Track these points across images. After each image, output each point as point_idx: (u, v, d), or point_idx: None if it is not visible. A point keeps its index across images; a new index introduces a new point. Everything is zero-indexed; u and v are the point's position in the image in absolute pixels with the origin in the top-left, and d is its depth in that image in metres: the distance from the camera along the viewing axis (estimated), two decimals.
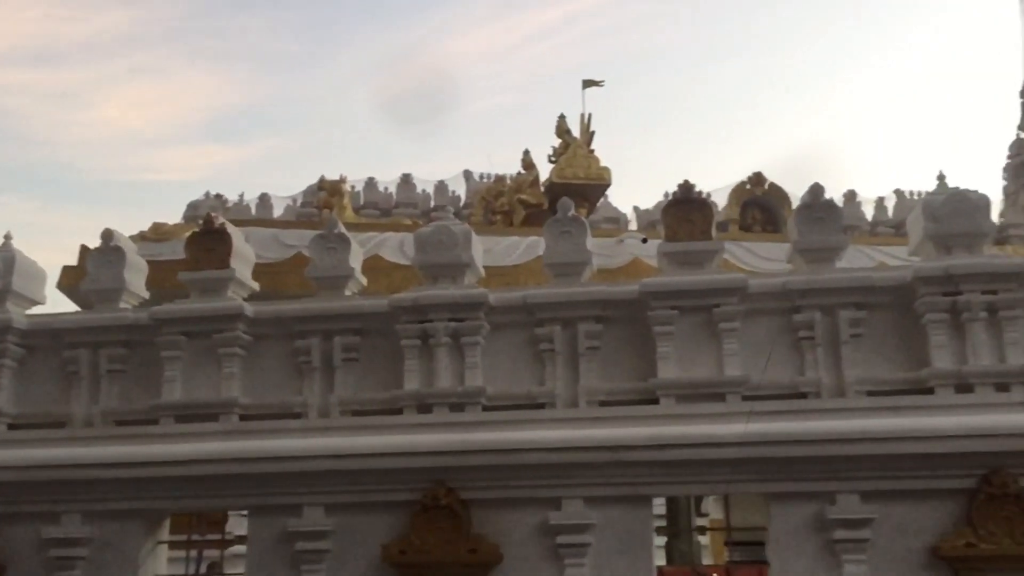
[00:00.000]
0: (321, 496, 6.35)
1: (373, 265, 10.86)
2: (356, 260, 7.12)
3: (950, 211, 6.31)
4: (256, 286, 7.30)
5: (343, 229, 7.09)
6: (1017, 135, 36.16)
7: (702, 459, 6.03)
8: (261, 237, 12.91)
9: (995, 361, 6.00)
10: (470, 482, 6.20)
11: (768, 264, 11.09)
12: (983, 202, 6.40)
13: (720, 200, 21.13)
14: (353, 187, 23.27)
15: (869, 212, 26.39)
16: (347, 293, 7.00)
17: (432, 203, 23.48)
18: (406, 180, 24.54)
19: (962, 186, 6.55)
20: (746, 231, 18.67)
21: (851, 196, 26.32)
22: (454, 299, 6.56)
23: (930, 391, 6.07)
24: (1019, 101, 36.98)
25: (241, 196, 24.65)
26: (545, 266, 6.84)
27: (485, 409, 6.47)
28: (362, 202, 23.80)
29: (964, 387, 6.01)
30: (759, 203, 19.86)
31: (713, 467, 6.07)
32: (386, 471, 6.26)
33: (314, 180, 21.40)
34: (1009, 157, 36.20)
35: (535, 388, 6.52)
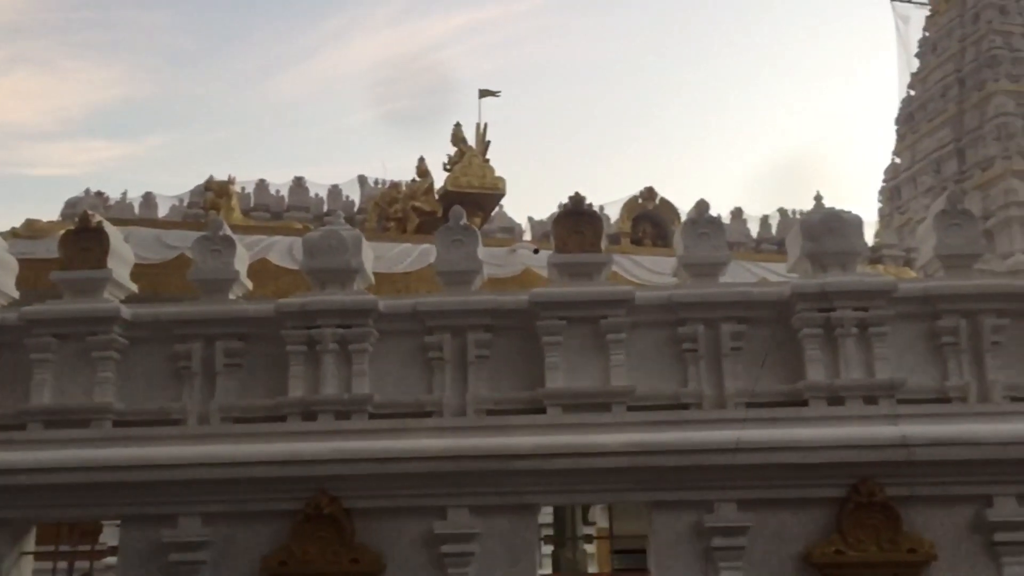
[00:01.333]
0: (198, 505, 6.15)
1: (260, 269, 10.60)
2: (241, 263, 6.94)
3: (825, 231, 6.56)
4: (134, 287, 7.04)
5: (228, 231, 6.90)
6: (892, 160, 38.10)
7: (587, 468, 6.10)
8: (142, 237, 12.46)
9: (865, 375, 6.26)
10: (354, 491, 6.10)
11: (656, 277, 11.32)
12: (856, 222, 6.68)
13: (613, 213, 21.50)
14: (243, 188, 22.74)
15: (754, 229, 27.31)
16: (231, 297, 6.81)
17: (325, 207, 23.16)
18: (299, 183, 24.13)
19: (838, 207, 6.83)
20: (637, 244, 19.03)
21: (738, 213, 27.19)
22: (343, 305, 6.46)
23: (805, 403, 6.29)
24: (894, 128, 38.91)
25: (124, 194, 23.82)
26: (436, 274, 6.82)
27: (372, 417, 6.39)
28: (252, 204, 23.29)
29: (836, 400, 6.25)
30: (650, 217, 20.26)
31: (598, 476, 6.15)
32: (267, 480, 6.11)
33: (203, 180, 20.83)
34: (884, 181, 38.13)
35: (423, 396, 6.48)
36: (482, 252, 6.99)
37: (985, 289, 6.38)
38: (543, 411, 6.37)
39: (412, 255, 11.39)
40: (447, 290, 6.69)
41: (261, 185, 24.11)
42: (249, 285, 7.11)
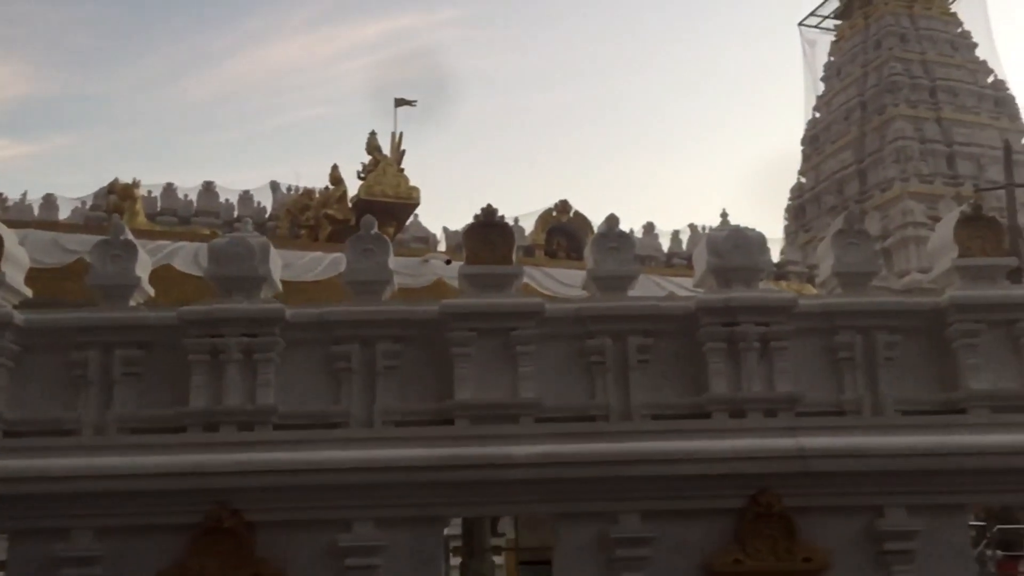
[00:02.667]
0: (91, 519, 5.94)
1: (164, 275, 10.33)
2: (143, 269, 6.75)
3: (731, 247, 6.72)
4: (29, 292, 6.77)
5: (129, 235, 6.71)
6: (798, 180, 39.31)
7: (494, 480, 6.10)
8: (40, 240, 12.02)
9: (765, 388, 6.42)
10: (256, 504, 5.98)
11: (568, 290, 11.43)
12: (760, 239, 6.86)
13: (528, 225, 21.65)
14: (149, 192, 22.15)
15: (666, 244, 27.82)
16: (132, 304, 6.62)
17: (236, 213, 22.69)
18: (208, 188, 23.60)
19: (744, 224, 7.01)
20: (551, 257, 19.21)
21: (650, 228, 27.66)
22: (248, 313, 6.34)
23: (708, 415, 6.42)
24: (800, 149, 40.17)
25: (24, 195, 22.95)
26: (345, 283, 6.75)
27: (276, 428, 6.28)
28: (159, 208, 22.69)
29: (738, 412, 6.40)
30: (564, 230, 20.50)
31: (505, 488, 6.16)
32: (165, 492, 5.94)
33: (108, 182, 20.21)
34: (791, 199, 39.31)
35: (330, 407, 6.40)
36: (393, 262, 6.94)
37: (879, 306, 6.62)
38: (451, 423, 6.36)
39: (323, 263, 11.25)
40: (356, 300, 6.62)
41: (169, 189, 23.51)
42: (151, 291, 6.92)
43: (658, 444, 6.12)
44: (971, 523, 11.14)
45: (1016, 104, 36.15)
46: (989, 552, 13.73)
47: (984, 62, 37.18)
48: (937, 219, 20.39)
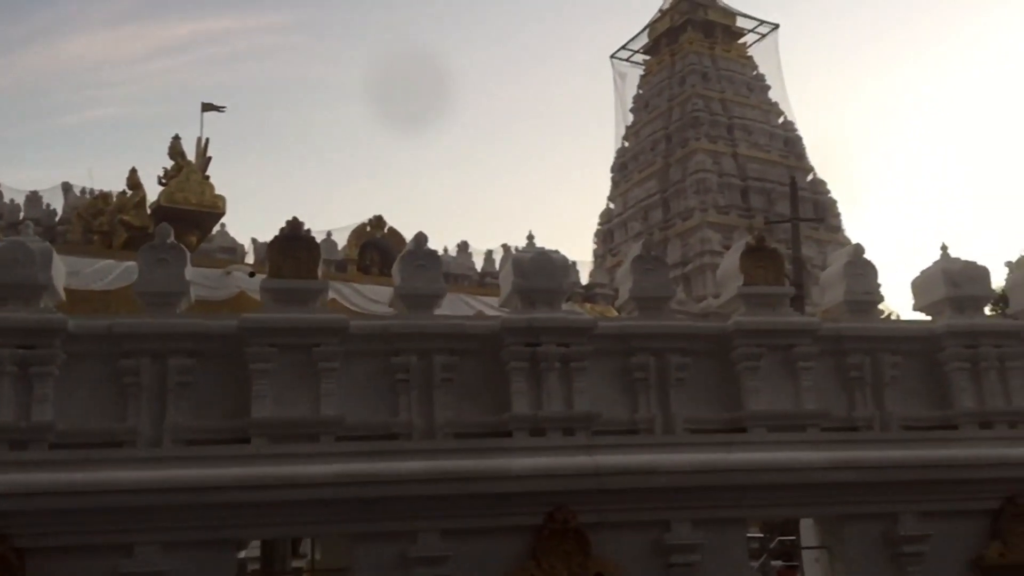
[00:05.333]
0: None
1: None
2: None
3: (535, 269, 6.87)
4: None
5: None
6: (607, 205, 40.84)
7: (291, 500, 5.94)
8: None
9: (564, 407, 6.59)
10: (29, 528, 5.57)
11: (377, 307, 11.32)
12: (563, 262, 7.06)
13: (341, 240, 21.28)
14: None
15: (479, 263, 28.08)
16: None
17: (22, 215, 21.04)
18: None
19: (550, 247, 7.18)
20: (365, 272, 18.95)
21: (464, 247, 27.85)
22: (25, 324, 5.90)
23: (509, 434, 6.51)
24: (610, 176, 41.76)
25: None
26: (136, 294, 6.40)
27: (54, 447, 5.85)
28: None
29: (538, 431, 6.52)
30: (378, 245, 20.26)
31: (302, 508, 6.01)
32: None
33: None
34: (600, 224, 40.77)
35: (115, 425, 6.04)
36: (192, 273, 6.66)
37: (672, 330, 6.95)
38: (248, 441, 6.14)
39: (115, 272, 10.61)
40: (148, 311, 6.29)
41: None
42: None
43: (458, 462, 6.15)
44: (753, 535, 11.89)
45: (803, 144, 39.12)
46: (772, 562, 14.66)
47: (776, 104, 40.03)
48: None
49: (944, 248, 7.79)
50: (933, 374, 7.36)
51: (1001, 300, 8.99)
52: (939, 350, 7.31)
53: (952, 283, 7.45)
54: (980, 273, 7.55)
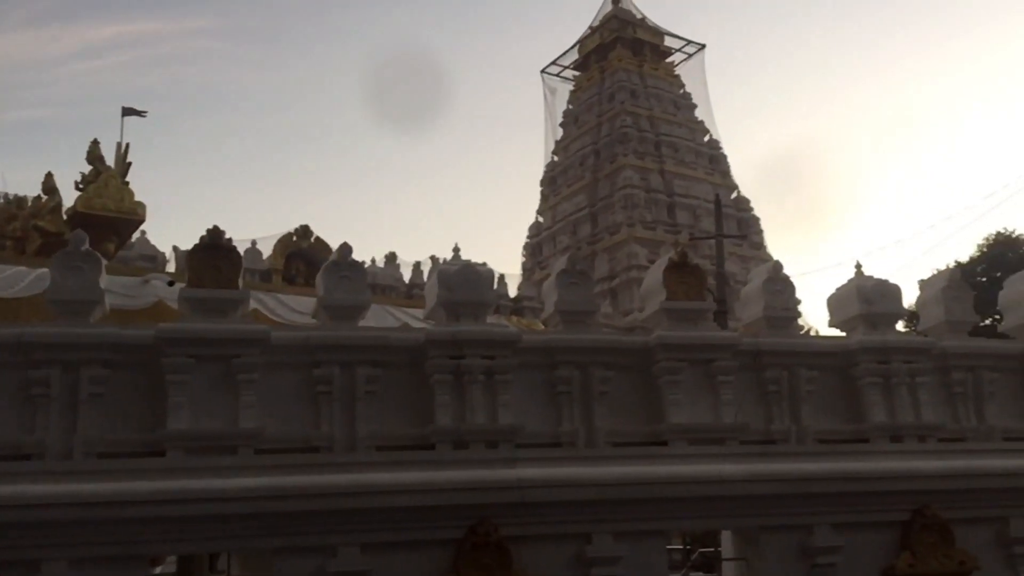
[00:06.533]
0: None
1: None
2: None
3: (461, 281, 6.87)
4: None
5: None
6: (536, 219, 41.10)
7: (207, 515, 5.81)
8: None
9: (488, 420, 6.59)
10: None
11: (301, 318, 11.15)
12: (489, 275, 7.07)
13: (266, 249, 20.97)
14: None
15: (407, 274, 27.95)
16: None
17: None
18: None
19: (479, 260, 7.19)
20: (289, 283, 18.67)
21: (392, 258, 27.70)
22: None
23: (432, 447, 6.48)
24: (539, 190, 42.04)
25: None
26: (48, 302, 6.20)
27: None
28: None
29: (461, 443, 6.50)
30: (304, 256, 19.99)
31: (219, 523, 5.88)
32: None
33: None
34: (529, 238, 41.00)
35: (24, 437, 5.85)
36: (106, 281, 6.49)
37: (595, 343, 7.01)
38: (163, 454, 5.99)
39: (27, 279, 10.24)
40: (61, 320, 6.11)
41: None
42: None
43: (380, 476, 6.10)
44: (676, 547, 12.03)
45: (727, 162, 40.01)
46: (692, 574, 14.83)
47: (702, 122, 40.88)
48: None
49: (858, 266, 8.03)
50: (847, 389, 7.56)
51: (914, 317, 9.29)
52: (853, 365, 7.52)
53: (865, 300, 7.68)
54: (892, 291, 7.79)
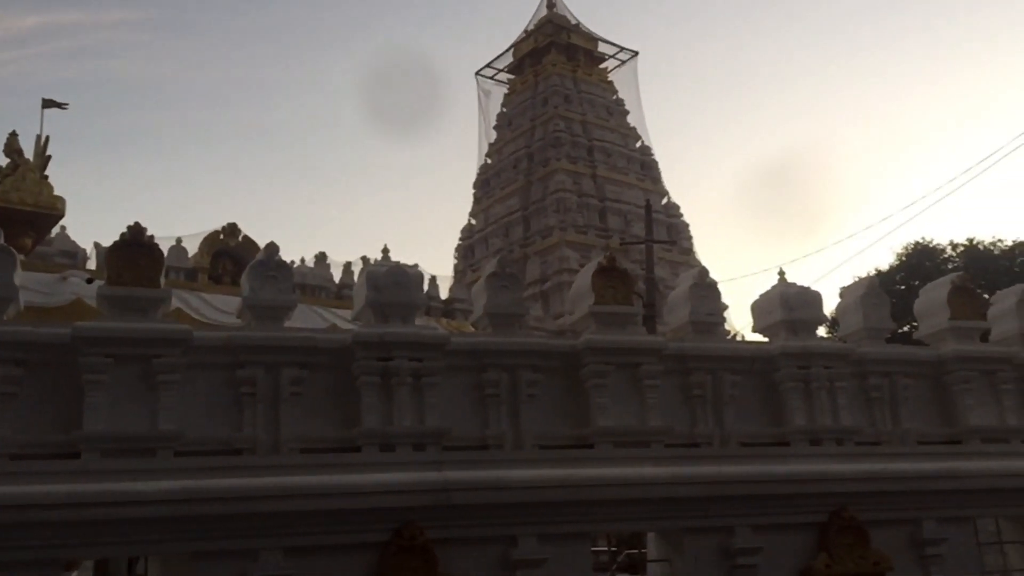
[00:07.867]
0: None
1: None
2: None
3: (389, 282, 6.82)
4: None
5: None
6: (469, 221, 41.06)
7: (123, 519, 5.66)
8: None
9: (416, 422, 6.55)
10: None
11: (226, 318, 10.97)
12: (418, 276, 7.03)
13: (192, 247, 20.54)
14: None
15: (337, 275, 27.62)
16: None
17: None
18: None
19: (411, 261, 7.15)
20: (216, 282, 18.34)
21: (322, 258, 27.38)
22: None
23: (359, 449, 6.42)
24: (472, 192, 42.03)
25: None
26: None
27: None
28: None
29: (388, 446, 6.45)
30: (231, 254, 19.66)
31: (136, 527, 5.74)
32: None
33: None
34: (461, 240, 40.93)
35: None
36: (21, 277, 6.29)
37: (524, 346, 7.03)
38: (78, 456, 5.82)
39: None
40: None
41: None
42: None
43: (303, 478, 6.02)
44: (603, 548, 12.13)
45: (658, 168, 40.48)
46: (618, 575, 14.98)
47: (634, 128, 41.31)
48: None
49: (781, 273, 8.21)
50: (769, 393, 7.72)
51: (835, 323, 9.55)
52: (775, 370, 7.67)
53: (787, 306, 7.85)
54: (813, 298, 7.98)
